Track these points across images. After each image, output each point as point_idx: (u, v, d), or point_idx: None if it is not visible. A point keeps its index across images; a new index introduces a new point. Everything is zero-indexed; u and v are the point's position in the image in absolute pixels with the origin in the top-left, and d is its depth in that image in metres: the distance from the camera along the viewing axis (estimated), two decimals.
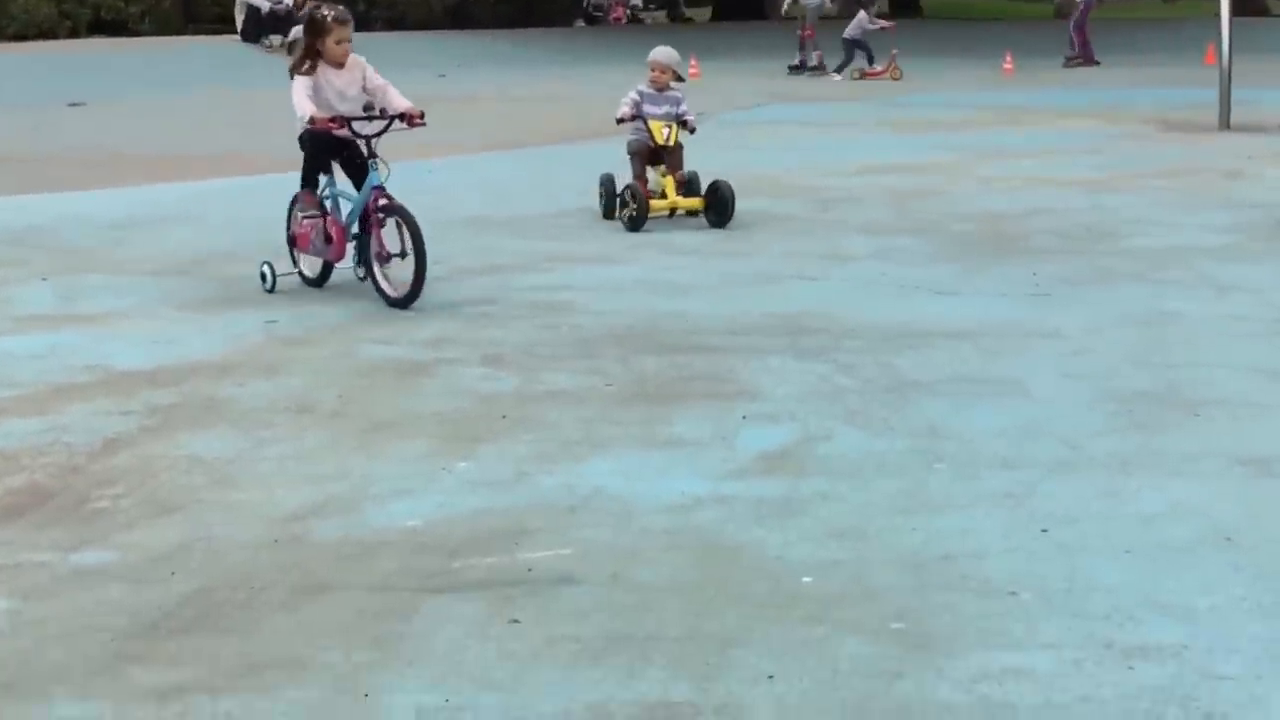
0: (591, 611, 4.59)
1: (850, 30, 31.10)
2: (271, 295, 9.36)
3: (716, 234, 11.33)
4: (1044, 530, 5.14)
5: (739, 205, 11.68)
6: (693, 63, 31.02)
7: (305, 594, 4.79)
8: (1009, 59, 31.71)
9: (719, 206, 11.69)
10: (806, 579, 4.79)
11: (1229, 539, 5.01)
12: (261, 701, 4.05)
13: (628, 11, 66.75)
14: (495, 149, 17.99)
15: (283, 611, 4.66)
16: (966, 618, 4.45)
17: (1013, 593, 4.62)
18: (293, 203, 9.67)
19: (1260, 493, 5.50)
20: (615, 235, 11.42)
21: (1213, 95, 19.66)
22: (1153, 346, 7.68)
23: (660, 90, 12.09)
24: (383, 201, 8.97)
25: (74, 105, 24.96)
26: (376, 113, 9.10)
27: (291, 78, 9.19)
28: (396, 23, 48.96)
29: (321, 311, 8.87)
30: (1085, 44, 32.79)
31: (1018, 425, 6.38)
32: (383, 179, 9.06)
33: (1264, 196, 12.80)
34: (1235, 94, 19.34)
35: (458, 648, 4.35)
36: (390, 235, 8.98)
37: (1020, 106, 22.40)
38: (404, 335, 8.26)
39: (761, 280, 9.58)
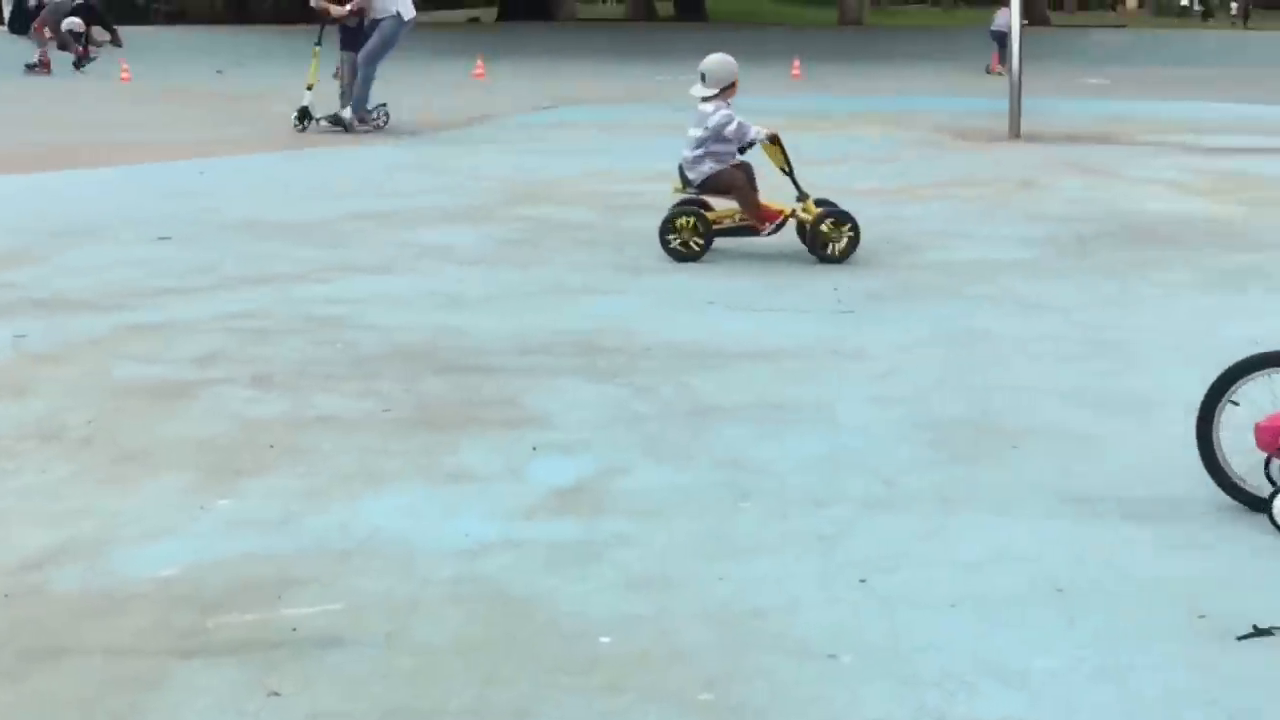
0: (364, 680, 4.07)
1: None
2: (20, 304, 8.65)
3: (504, 243, 10.79)
4: (862, 580, 4.72)
5: (533, 213, 11.19)
6: (479, 64, 30.55)
7: (38, 660, 4.20)
8: (796, 64, 31.65)
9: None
10: (605, 639, 4.31)
11: (1060, 590, 4.64)
12: None
13: None
14: (273, 149, 17.26)
15: (9, 681, 4.07)
16: (782, 685, 4.00)
17: (832, 655, 4.18)
18: None
19: (1088, 536, 5.14)
20: (395, 243, 10.83)
21: (998, 104, 19.67)
22: (964, 368, 7.34)
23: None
24: None
25: None
26: None
27: None
28: (176, 16, 47.79)
29: (78, 324, 8.18)
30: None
31: (827, 456, 5.98)
32: None
33: (1060, 209, 12.63)
34: (1023, 103, 19.34)
35: None
36: None
37: (810, 112, 22.16)
38: (167, 353, 7.62)
39: (553, 293, 9.08)
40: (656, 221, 11.60)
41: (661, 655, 4.20)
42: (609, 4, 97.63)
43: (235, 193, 13.54)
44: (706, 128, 10.10)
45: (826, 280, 9.41)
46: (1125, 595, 4.64)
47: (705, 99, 10.16)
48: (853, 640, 4.28)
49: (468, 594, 4.65)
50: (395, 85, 28.19)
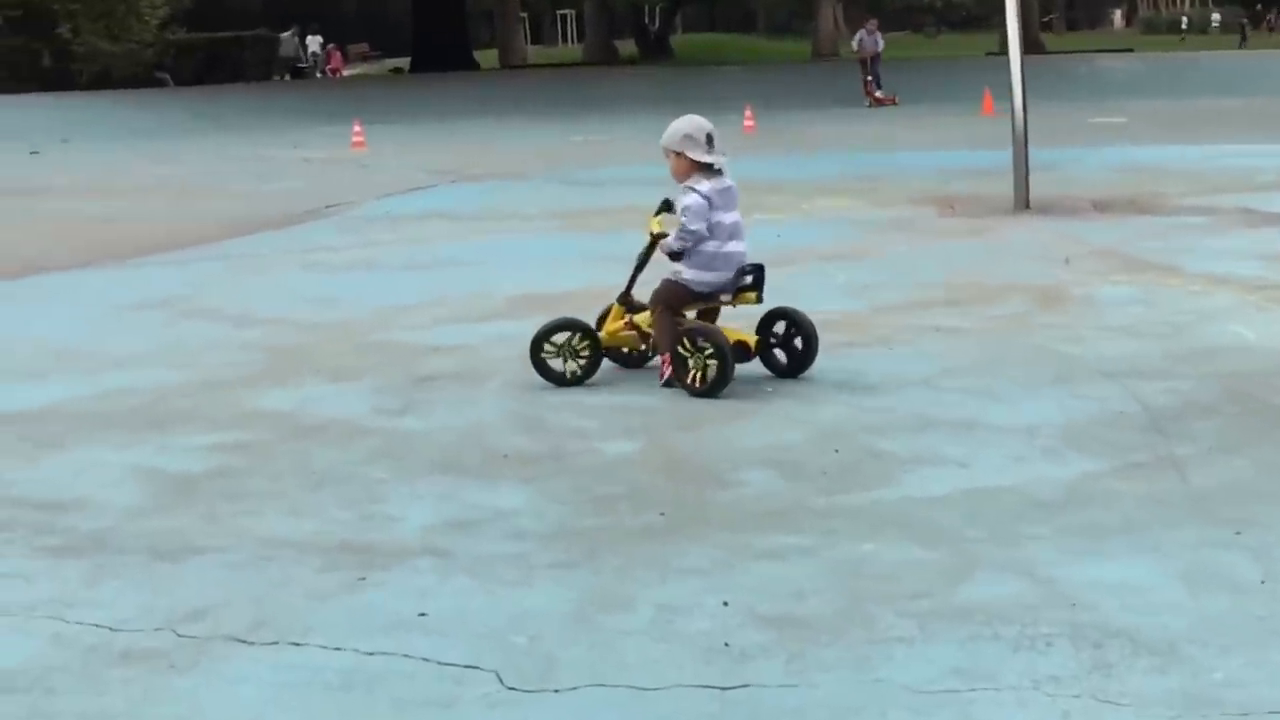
0: None
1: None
2: None
3: (169, 490, 6.46)
4: None
5: (276, 401, 6.96)
6: (356, 129, 26.44)
7: None
8: (749, 113, 27.48)
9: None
10: None
11: None
12: None
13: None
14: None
15: None
16: None
17: None
18: None
19: None
20: None
21: (998, 157, 15.56)
22: None
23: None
24: None
25: None
26: None
27: None
28: None
29: None
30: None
31: None
32: None
33: (1110, 349, 8.34)
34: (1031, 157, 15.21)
35: None
36: None
37: (757, 180, 17.64)
38: None
39: (145, 659, 4.75)
40: (468, 413, 7.46)
41: None
42: (570, 44, 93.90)
43: None
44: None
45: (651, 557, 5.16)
46: None
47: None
48: None
49: None
50: (229, 163, 23.83)
